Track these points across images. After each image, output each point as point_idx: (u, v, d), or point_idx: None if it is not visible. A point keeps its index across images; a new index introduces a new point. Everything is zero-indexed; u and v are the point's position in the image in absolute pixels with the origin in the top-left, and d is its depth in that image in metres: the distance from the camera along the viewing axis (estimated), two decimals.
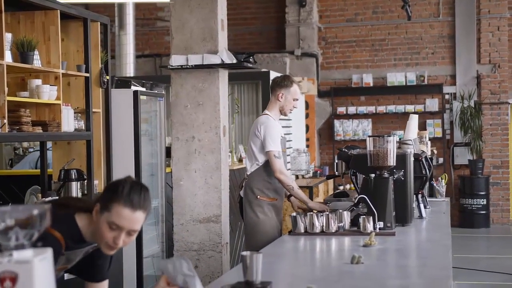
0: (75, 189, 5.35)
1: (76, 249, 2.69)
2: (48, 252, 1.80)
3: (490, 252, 10.45)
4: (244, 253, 2.74)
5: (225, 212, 5.81)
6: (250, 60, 5.93)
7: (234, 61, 5.68)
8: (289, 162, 9.77)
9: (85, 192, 5.54)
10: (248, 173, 5.27)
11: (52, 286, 1.80)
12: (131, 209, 2.55)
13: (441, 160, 12.52)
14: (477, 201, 12.19)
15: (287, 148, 6.16)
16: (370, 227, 4.19)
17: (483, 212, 12.23)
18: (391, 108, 12.71)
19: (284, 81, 5.29)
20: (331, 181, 11.22)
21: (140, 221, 2.58)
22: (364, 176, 4.54)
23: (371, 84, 12.84)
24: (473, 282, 8.17)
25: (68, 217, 2.66)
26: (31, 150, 8.79)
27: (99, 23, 5.83)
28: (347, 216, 4.35)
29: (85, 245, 2.72)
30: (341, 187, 11.57)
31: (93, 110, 5.66)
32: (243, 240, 7.58)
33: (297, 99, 5.31)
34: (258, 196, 5.18)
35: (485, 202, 12.21)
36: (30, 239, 1.77)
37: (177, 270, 2.49)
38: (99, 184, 5.78)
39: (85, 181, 5.50)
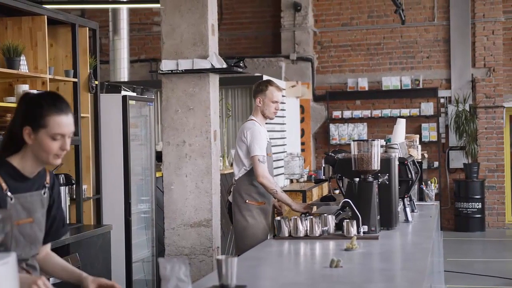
0: (64, 194, 5.36)
1: (23, 191, 2.70)
2: (12, 257, 1.81)
3: (485, 255, 10.45)
4: (219, 257, 2.76)
5: (216, 216, 5.82)
6: (240, 64, 5.95)
7: (224, 65, 5.70)
8: (281, 167, 9.80)
9: (74, 197, 5.55)
10: (236, 178, 5.36)
11: None
12: (64, 115, 2.68)
13: (436, 164, 12.53)
14: (472, 204, 12.20)
15: (273, 153, 6.19)
16: (353, 231, 4.20)
17: (478, 215, 12.24)
18: (387, 112, 12.73)
19: (260, 86, 5.42)
20: (325, 185, 11.24)
21: (73, 122, 2.72)
22: (348, 180, 4.55)
23: (367, 88, 12.86)
24: (467, 286, 8.18)
25: (1, 162, 2.70)
26: None
27: (87, 28, 5.86)
28: (331, 220, 4.35)
29: (29, 183, 2.74)
30: (337, 191, 11.57)
31: (82, 115, 5.68)
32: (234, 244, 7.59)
33: (276, 101, 5.39)
34: (247, 201, 5.28)
35: (480, 206, 12.22)
36: None
37: (173, 272, 2.50)
38: (87, 189, 5.79)
39: (74, 186, 5.51)
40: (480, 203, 12.22)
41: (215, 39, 5.91)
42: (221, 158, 8.15)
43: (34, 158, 2.70)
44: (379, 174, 4.50)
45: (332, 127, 12.91)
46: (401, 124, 5.62)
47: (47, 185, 2.82)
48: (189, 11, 5.74)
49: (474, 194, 12.21)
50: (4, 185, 2.64)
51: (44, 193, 2.80)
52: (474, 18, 12.60)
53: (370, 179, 4.42)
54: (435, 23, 12.77)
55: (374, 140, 4.43)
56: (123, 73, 10.42)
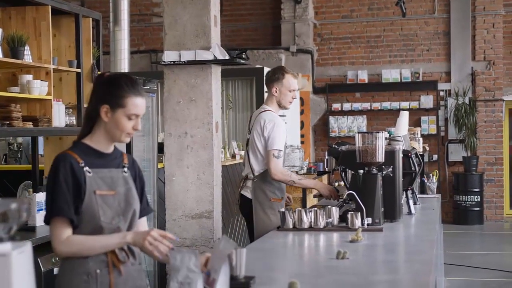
0: None
1: (101, 167, 2.85)
2: (27, 246, 1.81)
3: (483, 248, 10.48)
4: None
5: (218, 208, 5.82)
6: (243, 56, 5.94)
7: (227, 57, 5.68)
8: None
9: None
10: (255, 174, 5.10)
11: (31, 279, 1.82)
12: (141, 97, 2.86)
13: (435, 156, 12.55)
14: (471, 198, 12.22)
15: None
16: (358, 223, 4.20)
17: (477, 209, 12.27)
18: (386, 104, 12.73)
19: (275, 74, 5.16)
20: (325, 177, 11.25)
21: (145, 104, 2.90)
22: (353, 172, 4.55)
23: (366, 81, 12.86)
24: (466, 278, 8.20)
25: (75, 143, 2.90)
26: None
27: (91, 18, 5.84)
28: (335, 212, 4.36)
29: (107, 160, 2.88)
30: (336, 184, 11.59)
31: (85, 105, 5.67)
32: (236, 236, 7.61)
33: (293, 90, 5.15)
34: (271, 198, 5.07)
35: (479, 199, 12.25)
36: (8, 232, 1.79)
37: (184, 263, 2.52)
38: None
39: None
40: (478, 196, 12.24)
41: (217, 31, 5.90)
42: (222, 150, 8.14)
43: (105, 135, 2.85)
44: (383, 167, 4.50)
45: (331, 119, 12.92)
46: (404, 117, 5.62)
47: (126, 165, 2.95)
48: (191, 2, 5.73)
49: (473, 187, 12.23)
50: (80, 160, 2.80)
51: (125, 172, 2.92)
52: (474, 11, 12.60)
53: (375, 171, 4.42)
54: (436, 16, 12.77)
55: (378, 132, 4.43)
56: (124, 64, 10.32)
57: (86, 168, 2.80)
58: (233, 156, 8.12)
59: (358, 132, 4.48)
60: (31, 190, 5.40)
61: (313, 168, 10.92)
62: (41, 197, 5.08)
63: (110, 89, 2.84)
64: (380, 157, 4.41)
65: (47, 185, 2.82)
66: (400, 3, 9.83)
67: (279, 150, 4.97)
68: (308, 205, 9.14)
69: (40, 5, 5.14)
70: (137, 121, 2.84)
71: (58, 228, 2.77)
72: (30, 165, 5.75)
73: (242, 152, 8.33)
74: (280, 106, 5.19)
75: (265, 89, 9.93)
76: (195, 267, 2.53)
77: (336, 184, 11.37)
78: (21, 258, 1.77)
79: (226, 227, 7.41)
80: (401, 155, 4.71)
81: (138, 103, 2.83)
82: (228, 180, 7.23)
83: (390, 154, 4.56)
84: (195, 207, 5.70)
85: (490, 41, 12.55)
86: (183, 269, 2.53)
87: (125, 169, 2.93)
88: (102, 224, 2.80)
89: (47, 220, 2.80)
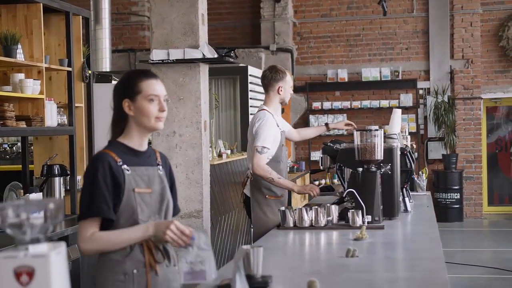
0: (58, 185, 5.29)
1: (138, 165, 2.84)
2: (63, 247, 1.78)
3: (464, 245, 10.56)
4: (245, 246, 2.73)
5: (206, 207, 5.80)
6: (231, 54, 5.92)
7: (216, 55, 5.66)
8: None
9: (68, 187, 5.47)
10: (252, 172, 5.11)
11: (67, 280, 1.79)
12: (154, 79, 2.86)
13: (415, 154, 12.61)
14: (450, 195, 12.31)
15: None
16: (359, 221, 4.20)
17: (457, 206, 12.36)
18: (366, 103, 12.78)
19: (278, 74, 5.21)
20: (307, 176, 11.28)
21: (163, 87, 2.89)
22: (351, 170, 4.54)
23: (346, 80, 12.90)
24: (453, 275, 8.24)
25: (110, 143, 2.89)
26: (4, 146, 8.67)
27: (80, 17, 5.76)
28: (335, 210, 4.36)
29: (142, 158, 2.87)
30: (317, 182, 11.62)
31: (76, 104, 5.59)
32: (223, 235, 7.58)
33: (291, 86, 5.30)
34: (267, 196, 5.09)
35: (458, 196, 12.35)
36: (45, 233, 1.75)
37: (194, 242, 2.51)
38: (81, 180, 5.71)
39: (68, 176, 5.43)
40: (458, 194, 12.34)
41: (205, 29, 5.88)
42: (210, 149, 8.11)
43: (138, 130, 2.85)
44: (381, 164, 4.50)
45: (312, 118, 12.93)
46: (397, 114, 5.64)
47: (160, 163, 2.94)
48: (179, 0, 5.69)
49: (452, 185, 12.33)
50: (118, 159, 2.79)
51: (160, 170, 2.91)
52: (452, 10, 12.70)
53: (373, 169, 4.42)
54: (414, 15, 12.85)
55: (377, 130, 4.43)
56: (105, 63, 10.26)
57: (125, 166, 2.79)
58: (220, 155, 8.08)
59: (357, 130, 4.48)
60: (21, 191, 5.31)
61: (295, 167, 10.93)
62: (34, 198, 5.00)
63: (124, 85, 2.87)
64: (379, 154, 4.42)
65: (84, 184, 2.80)
66: (382, 1, 9.86)
67: (263, 146, 5.00)
68: (293, 204, 9.13)
69: (31, 2, 5.05)
70: (160, 102, 2.83)
71: (84, 227, 2.75)
72: (16, 165, 5.66)
73: (229, 151, 8.32)
74: (283, 103, 5.28)
75: (250, 88, 9.91)
76: (206, 245, 2.52)
77: (317, 183, 11.43)
78: (58, 259, 1.74)
79: (214, 226, 7.37)
80: (398, 152, 4.72)
81: (152, 84, 2.82)
82: (215, 179, 7.19)
83: (388, 152, 4.57)
84: (184, 207, 5.67)
85: (468, 40, 12.66)
86: (194, 248, 2.53)
87: (160, 167, 2.92)
88: (139, 222, 2.77)
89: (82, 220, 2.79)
